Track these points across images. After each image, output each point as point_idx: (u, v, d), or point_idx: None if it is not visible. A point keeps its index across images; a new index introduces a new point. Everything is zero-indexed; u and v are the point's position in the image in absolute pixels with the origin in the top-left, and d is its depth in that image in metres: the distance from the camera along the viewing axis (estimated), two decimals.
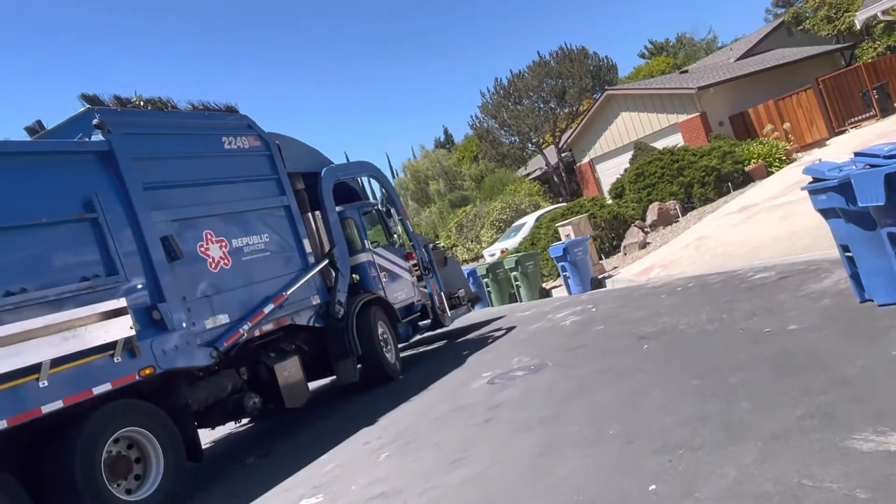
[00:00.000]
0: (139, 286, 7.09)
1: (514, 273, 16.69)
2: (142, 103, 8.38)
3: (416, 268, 12.41)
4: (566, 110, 32.14)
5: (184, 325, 7.37)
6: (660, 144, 23.49)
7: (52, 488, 6.02)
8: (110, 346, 6.44)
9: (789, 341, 5.77)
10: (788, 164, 19.63)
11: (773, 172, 19.19)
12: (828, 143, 20.89)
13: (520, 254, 17.45)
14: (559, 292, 16.00)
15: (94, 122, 7.38)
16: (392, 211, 12.22)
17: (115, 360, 6.50)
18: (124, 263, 7.01)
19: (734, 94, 24.85)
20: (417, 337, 12.41)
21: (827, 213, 6.26)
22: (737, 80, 25.31)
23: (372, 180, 12.86)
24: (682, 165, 19.46)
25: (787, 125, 22.21)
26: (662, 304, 9.57)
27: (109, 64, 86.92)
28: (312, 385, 9.95)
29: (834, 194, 5.84)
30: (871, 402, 4.08)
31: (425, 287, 12.48)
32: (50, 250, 6.50)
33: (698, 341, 6.81)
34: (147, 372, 6.78)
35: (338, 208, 10.84)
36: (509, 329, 11.81)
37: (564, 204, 23.46)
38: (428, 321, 12.35)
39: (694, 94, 24.24)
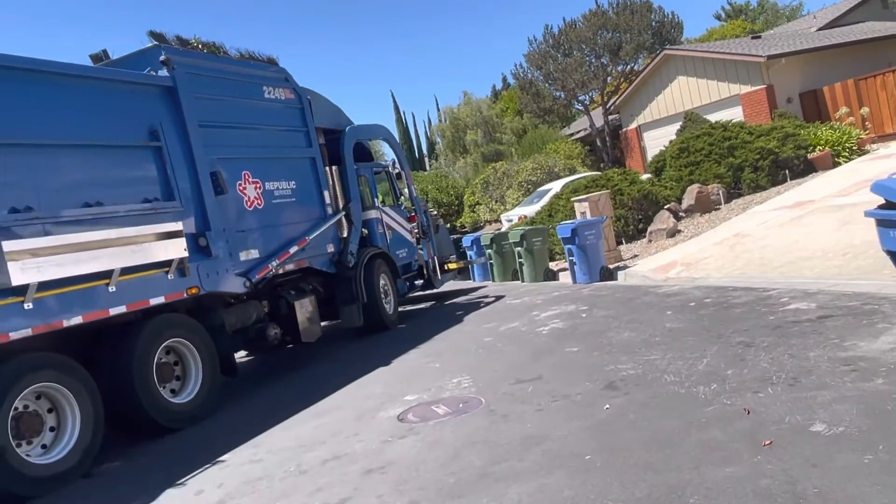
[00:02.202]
0: (191, 214, 7.65)
1: (518, 249, 14.49)
2: (199, 45, 8.83)
3: (416, 230, 13.08)
4: (619, 68, 29.12)
5: (223, 254, 7.96)
6: (715, 117, 20.59)
7: (110, 384, 6.47)
8: (166, 264, 7.10)
9: (804, 465, 3.59)
10: (860, 155, 16.79)
11: (840, 164, 16.39)
12: None
13: (526, 228, 15.14)
14: (566, 276, 13.80)
15: (162, 58, 7.79)
16: (401, 174, 12.92)
17: (169, 277, 7.16)
18: (180, 191, 7.56)
19: (809, 68, 21.65)
20: (409, 295, 13.06)
21: None
22: (814, 51, 22.01)
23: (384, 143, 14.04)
24: (733, 144, 16.75)
25: (864, 110, 19.12)
26: (662, 326, 7.48)
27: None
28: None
29: None
30: None
31: (422, 249, 13.10)
32: (121, 171, 7.06)
33: (678, 417, 4.67)
34: (193, 291, 7.46)
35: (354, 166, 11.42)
36: (481, 319, 10.41)
37: (589, 174, 20.85)
38: (421, 281, 13.11)
39: (762, 63, 21.14)
